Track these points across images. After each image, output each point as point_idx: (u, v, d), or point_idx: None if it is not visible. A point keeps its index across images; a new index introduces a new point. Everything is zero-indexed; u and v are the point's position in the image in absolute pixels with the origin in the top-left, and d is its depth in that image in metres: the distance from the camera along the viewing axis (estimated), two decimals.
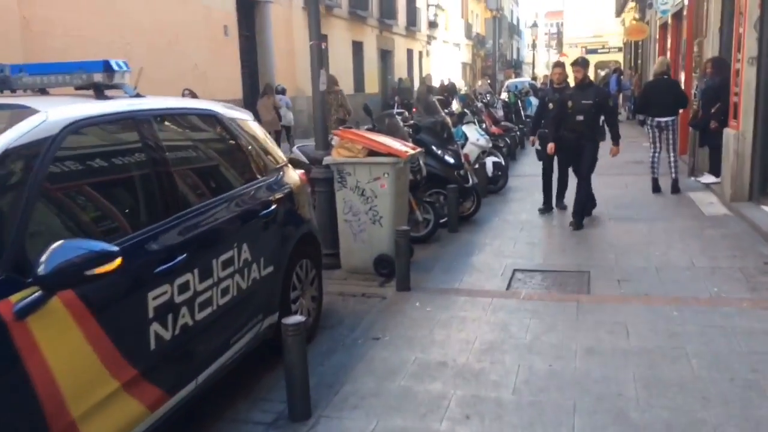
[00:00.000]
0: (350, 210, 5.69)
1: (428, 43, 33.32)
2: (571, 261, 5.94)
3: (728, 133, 7.81)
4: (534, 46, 36.17)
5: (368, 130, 6.93)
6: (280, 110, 14.87)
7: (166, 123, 3.28)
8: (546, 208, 7.96)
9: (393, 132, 6.67)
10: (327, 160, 5.70)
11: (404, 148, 5.78)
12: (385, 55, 26.57)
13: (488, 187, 9.38)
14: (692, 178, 9.75)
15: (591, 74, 31.12)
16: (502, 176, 9.61)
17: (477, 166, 9.27)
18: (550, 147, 7.38)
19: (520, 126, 16.26)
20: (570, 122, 7.15)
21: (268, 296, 3.72)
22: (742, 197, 7.50)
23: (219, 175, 3.57)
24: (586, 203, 7.24)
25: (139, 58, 12.68)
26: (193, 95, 9.02)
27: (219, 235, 3.24)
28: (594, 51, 37.91)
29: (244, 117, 4.10)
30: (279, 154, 4.34)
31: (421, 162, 6.83)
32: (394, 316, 4.69)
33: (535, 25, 36.50)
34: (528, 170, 11.83)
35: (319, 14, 6.25)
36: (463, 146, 9.39)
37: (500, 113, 14.50)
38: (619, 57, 33.40)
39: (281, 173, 4.19)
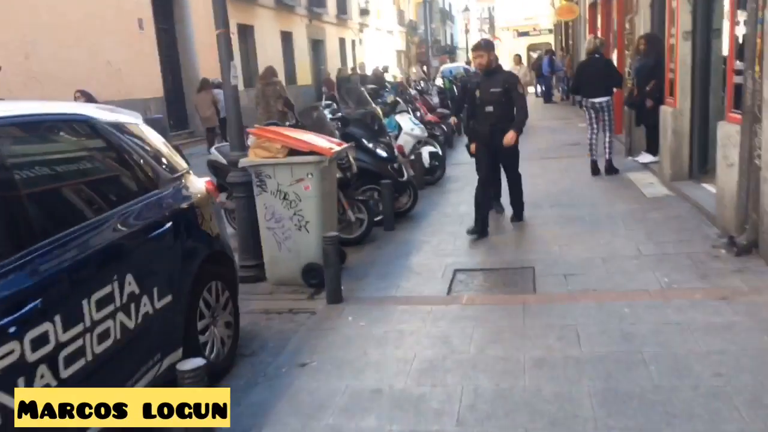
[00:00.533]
0: (273, 216, 5.14)
1: (360, 31, 32.74)
2: (515, 256, 5.58)
3: (665, 110, 7.62)
4: (467, 31, 36.04)
5: (292, 126, 6.38)
6: (219, 105, 14.21)
7: (17, 134, 2.67)
8: (475, 230, 6.15)
9: (319, 127, 6.14)
10: (243, 162, 5.13)
11: (329, 144, 5.26)
12: (317, 45, 25.86)
13: (425, 178, 8.97)
14: (630, 158, 9.61)
15: (524, 57, 31.27)
16: (440, 166, 9.21)
17: (413, 157, 8.85)
18: (472, 148, 6.52)
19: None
20: (480, 114, 6.24)
21: (167, 331, 3.16)
22: (681, 176, 7.32)
23: (91, 194, 2.96)
24: (521, 194, 6.63)
25: (44, 56, 11.68)
26: (89, 98, 8.14)
27: (90, 269, 2.65)
28: (526, 34, 38.16)
29: (130, 120, 3.51)
30: (177, 161, 3.76)
31: (350, 157, 6.34)
32: (324, 335, 4.19)
33: (466, 9, 36.41)
34: (466, 158, 11.42)
35: (225, 1, 5.61)
36: (396, 137, 8.95)
37: (435, 100, 14.12)
38: (551, 39, 33.66)
39: (180, 184, 3.61)
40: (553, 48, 26.22)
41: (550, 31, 34.51)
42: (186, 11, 16.49)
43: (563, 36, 24.45)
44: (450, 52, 56.76)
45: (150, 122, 12.05)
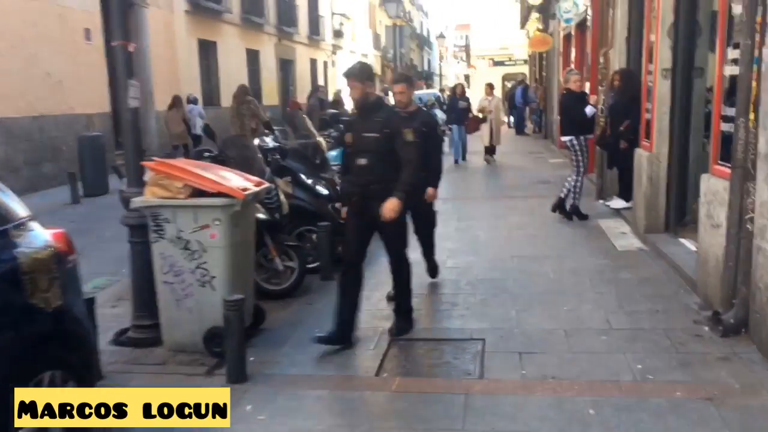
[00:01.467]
0: (171, 269, 4.22)
1: (333, 53, 32.09)
2: (464, 322, 4.72)
3: (640, 154, 6.91)
4: (441, 57, 35.67)
5: (214, 158, 5.49)
6: (190, 122, 14.51)
7: None
8: (330, 337, 4.28)
9: (243, 160, 5.26)
10: (135, 202, 4.22)
11: (244, 184, 4.38)
12: (286, 65, 25.07)
13: None
14: (601, 202, 8.90)
15: (497, 86, 30.98)
16: None
17: None
18: (343, 212, 4.70)
19: None
20: (352, 169, 4.42)
21: None
22: (657, 228, 6.59)
23: None
24: (407, 291, 4.66)
25: None
26: None
27: None
28: (501, 63, 37.94)
29: None
30: (8, 207, 2.84)
31: (281, 196, 5.47)
32: None
33: (441, 35, 36.13)
34: None
35: (123, 9, 4.76)
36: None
37: None
38: (526, 69, 33.40)
39: (6, 239, 2.70)
40: (528, 79, 25.83)
41: (526, 61, 34.27)
42: (143, 25, 15.55)
43: (537, 67, 24.04)
44: (427, 78, 56.64)
45: (88, 140, 11.04)
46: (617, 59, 8.66)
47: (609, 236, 7.04)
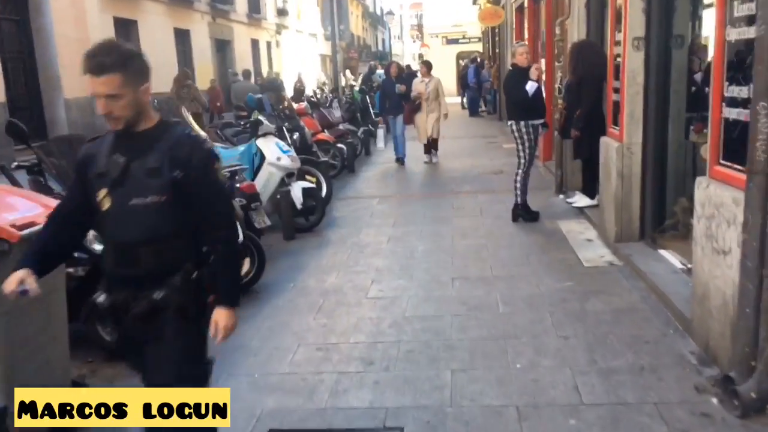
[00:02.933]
0: None
1: (278, 32, 30.21)
2: (377, 397, 3.36)
3: (607, 144, 5.65)
4: (390, 36, 34.11)
5: (29, 170, 3.99)
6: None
7: None
8: None
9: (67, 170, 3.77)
10: None
11: (32, 213, 2.91)
12: (222, 46, 23.19)
13: (297, 222, 6.73)
14: (561, 197, 7.65)
15: (452, 65, 29.69)
16: (318, 207, 6.95)
17: (279, 196, 6.60)
18: None
19: (369, 126, 13.81)
20: (109, 250, 2.27)
21: None
22: (631, 235, 5.36)
23: None
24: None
25: None
26: None
27: None
28: (455, 41, 36.58)
29: None
30: None
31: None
32: None
33: (390, 13, 34.59)
34: (366, 188, 9.33)
35: None
36: (258, 169, 6.71)
37: (337, 114, 11.90)
38: (480, 47, 32.14)
39: None
40: (482, 56, 24.55)
41: (480, 39, 33.01)
42: (43, 0, 13.64)
43: (491, 44, 22.76)
44: (382, 58, 54.92)
45: None
46: (576, 29, 7.36)
47: (572, 245, 5.77)
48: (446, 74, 34.11)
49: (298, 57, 32.42)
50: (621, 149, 5.29)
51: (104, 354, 3.84)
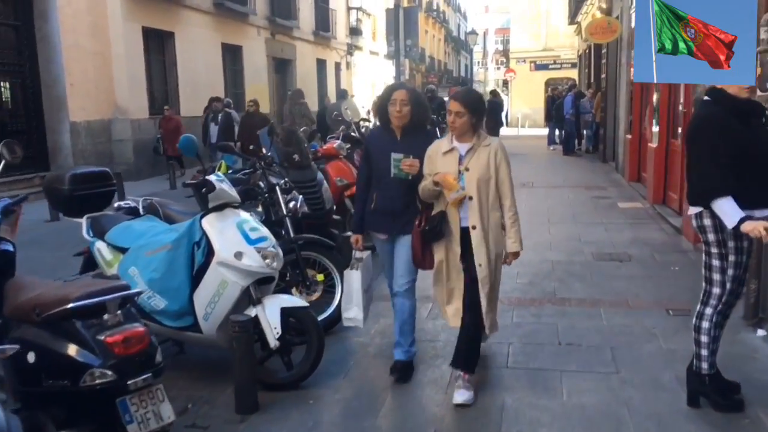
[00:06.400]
0: None
1: (349, 53, 27.74)
2: None
3: None
4: (473, 60, 31.03)
5: None
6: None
7: None
8: None
9: None
10: None
11: None
12: (282, 66, 20.81)
13: (266, 371, 3.64)
14: (760, 333, 4.20)
15: (540, 92, 26.09)
16: (312, 341, 3.79)
17: (236, 328, 3.53)
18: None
19: None
20: None
21: None
22: None
23: None
24: None
25: None
26: None
27: None
28: (544, 66, 32.98)
29: None
30: None
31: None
32: None
33: (473, 32, 31.65)
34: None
35: None
36: (201, 272, 3.69)
37: None
38: (573, 74, 28.50)
39: None
40: (578, 84, 20.97)
41: (574, 65, 29.37)
42: (51, 7, 11.40)
43: (592, 69, 19.19)
44: (463, 84, 51.92)
45: None
46: None
47: None
48: (533, 102, 30.72)
49: (370, 80, 29.84)
50: None
51: None
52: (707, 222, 3.09)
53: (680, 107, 7.71)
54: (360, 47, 29.01)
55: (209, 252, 3.61)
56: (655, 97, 8.91)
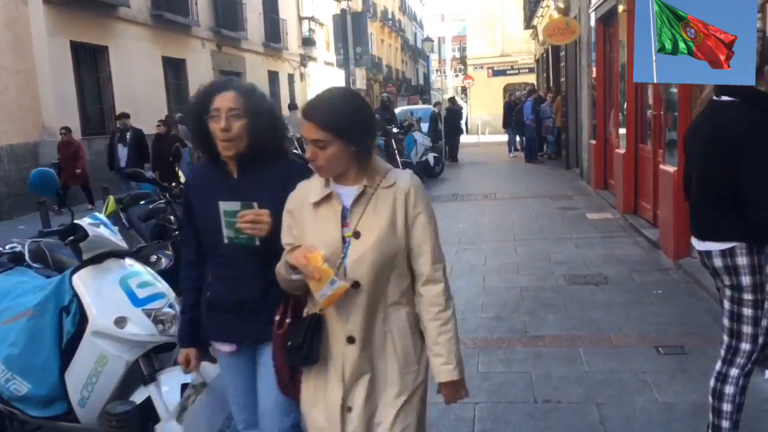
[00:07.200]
0: None
1: (302, 64, 26.95)
2: None
3: None
4: (430, 68, 30.56)
5: None
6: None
7: None
8: None
9: None
10: None
11: None
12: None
13: None
14: None
15: (499, 98, 25.76)
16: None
17: (116, 410, 2.64)
18: None
19: None
20: None
21: None
22: None
23: None
24: None
25: None
26: None
27: None
28: (502, 72, 32.72)
29: None
30: None
31: None
32: None
33: (429, 39, 31.19)
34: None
35: None
36: (73, 342, 2.73)
37: None
38: (532, 79, 28.23)
39: None
40: (537, 88, 20.56)
41: (531, 69, 29.14)
42: None
43: (550, 72, 18.78)
44: (423, 92, 51.45)
45: None
46: None
47: None
48: (493, 109, 30.29)
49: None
50: None
51: None
52: (743, 261, 2.39)
53: (649, 111, 7.12)
54: (314, 58, 28.26)
55: (82, 318, 2.78)
56: (620, 100, 8.35)
